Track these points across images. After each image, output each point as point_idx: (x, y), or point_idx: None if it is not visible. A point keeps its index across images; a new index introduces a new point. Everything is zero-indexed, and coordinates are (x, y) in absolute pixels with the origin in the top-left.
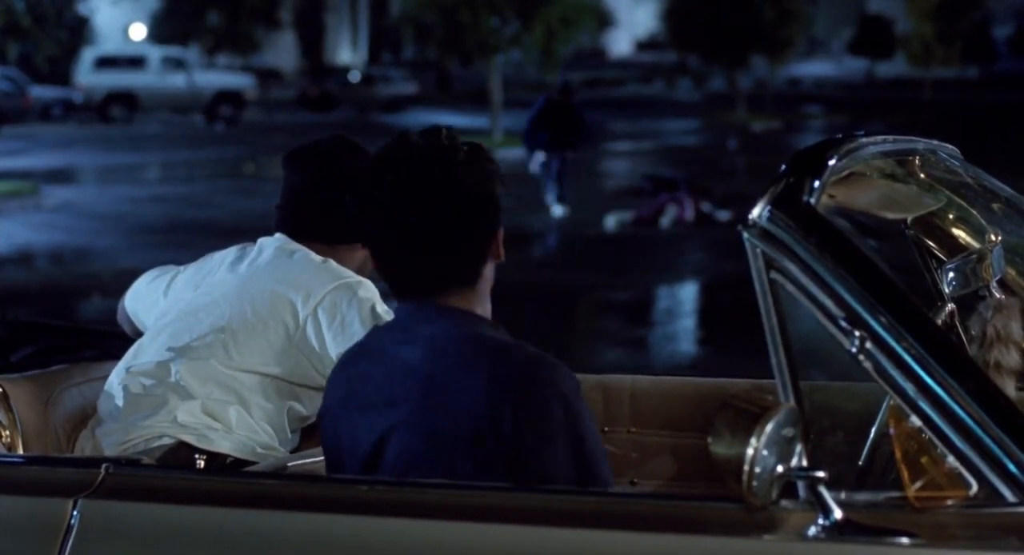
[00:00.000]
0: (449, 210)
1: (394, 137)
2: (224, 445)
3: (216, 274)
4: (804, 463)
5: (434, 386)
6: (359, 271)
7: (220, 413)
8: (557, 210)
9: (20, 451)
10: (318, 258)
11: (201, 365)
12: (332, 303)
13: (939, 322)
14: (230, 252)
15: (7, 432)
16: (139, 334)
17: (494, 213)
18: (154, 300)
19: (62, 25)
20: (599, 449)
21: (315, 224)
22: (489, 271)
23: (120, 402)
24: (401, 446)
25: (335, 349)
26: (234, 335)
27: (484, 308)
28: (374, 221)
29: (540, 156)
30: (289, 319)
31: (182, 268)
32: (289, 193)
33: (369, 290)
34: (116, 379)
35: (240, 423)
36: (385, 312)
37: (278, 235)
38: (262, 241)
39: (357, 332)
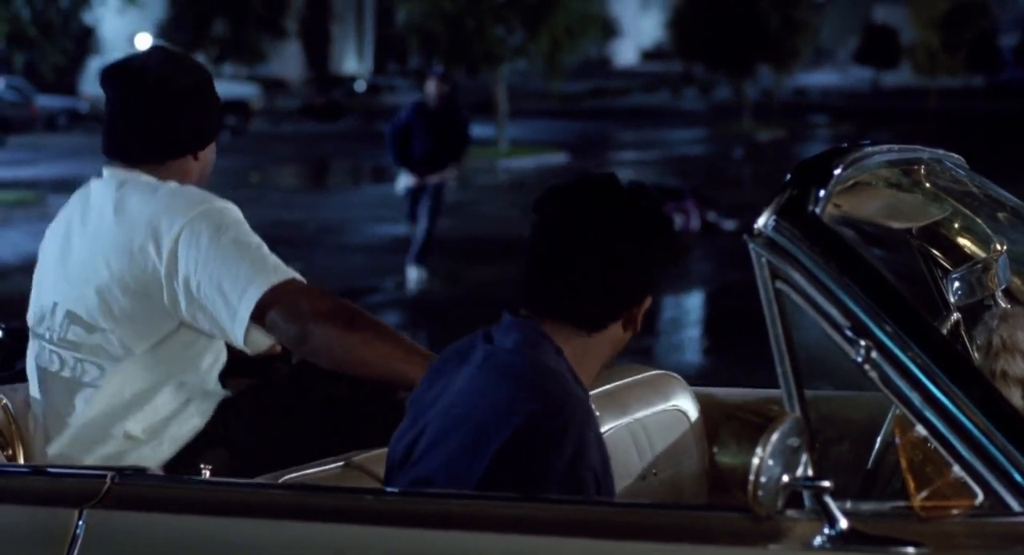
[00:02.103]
0: (603, 249)
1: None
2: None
3: (55, 252)
4: (810, 473)
5: (464, 389)
6: (200, 180)
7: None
8: (412, 273)
9: (23, 461)
10: (162, 186)
11: (101, 370)
12: (192, 235)
13: (944, 332)
14: (58, 223)
15: (10, 443)
16: None
17: (645, 281)
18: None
19: (68, 35)
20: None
21: (144, 144)
22: (615, 334)
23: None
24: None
25: (198, 286)
26: (114, 321)
27: (586, 365)
28: (534, 231)
29: (408, 179)
30: (151, 268)
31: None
32: (112, 114)
33: (231, 214)
34: (38, 392)
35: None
36: (247, 235)
37: (106, 173)
38: (93, 189)
39: (229, 261)
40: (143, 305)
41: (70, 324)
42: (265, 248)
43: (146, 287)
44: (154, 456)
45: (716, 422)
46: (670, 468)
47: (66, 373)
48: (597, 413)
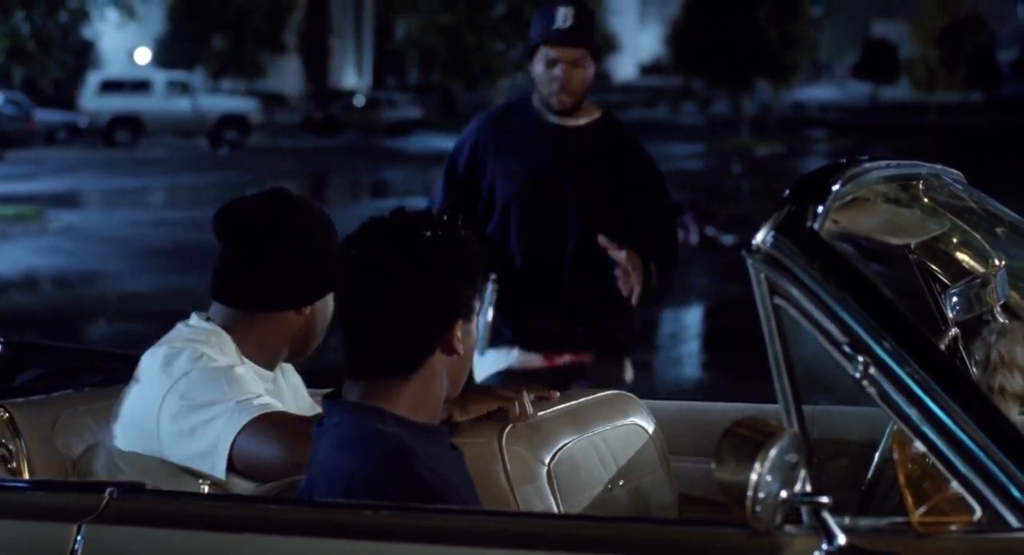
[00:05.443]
0: (389, 292)
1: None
2: None
3: None
4: (808, 488)
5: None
6: (308, 338)
7: None
8: None
9: (26, 476)
10: (178, 362)
11: None
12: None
13: (943, 347)
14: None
15: (13, 457)
16: None
17: (447, 304)
18: None
19: (67, 49)
20: None
21: (236, 291)
22: (439, 364)
23: None
24: None
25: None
26: None
27: (426, 404)
28: (339, 295)
29: (509, 354)
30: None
31: None
32: (218, 256)
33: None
34: None
35: None
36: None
37: (193, 319)
38: (177, 329)
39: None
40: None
41: None
42: (234, 391)
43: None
44: None
45: (674, 435)
46: (634, 480)
47: None
48: (558, 431)
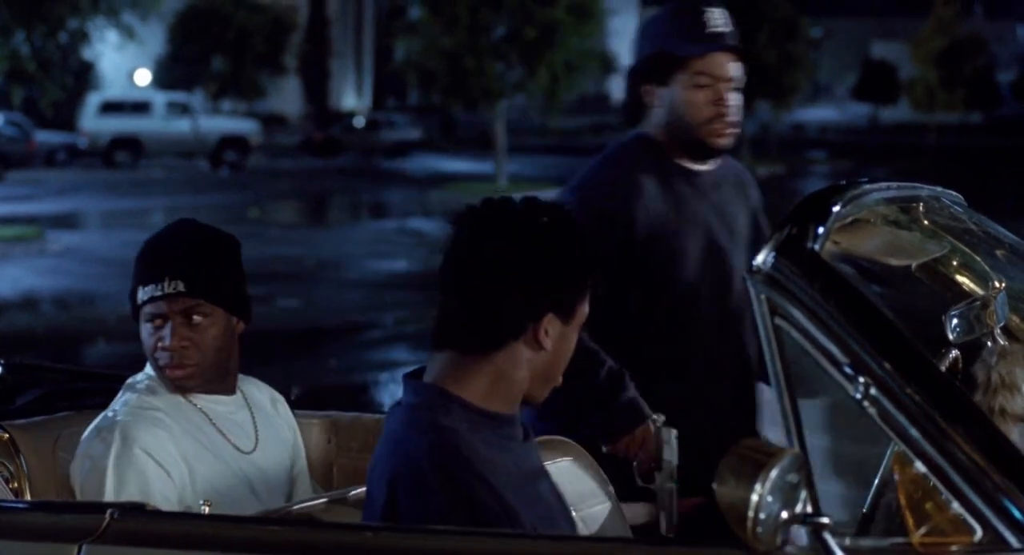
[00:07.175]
0: (485, 263)
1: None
2: None
3: None
4: (809, 509)
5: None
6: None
7: None
8: None
9: (27, 497)
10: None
11: None
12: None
13: (943, 368)
14: None
15: (14, 477)
16: None
17: (539, 290)
18: None
19: (67, 70)
20: None
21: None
22: (520, 355)
23: None
24: None
25: None
26: None
27: (497, 392)
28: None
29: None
30: None
31: None
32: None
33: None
34: None
35: None
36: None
37: None
38: None
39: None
40: None
41: None
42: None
43: None
44: None
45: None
46: (585, 508)
47: None
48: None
